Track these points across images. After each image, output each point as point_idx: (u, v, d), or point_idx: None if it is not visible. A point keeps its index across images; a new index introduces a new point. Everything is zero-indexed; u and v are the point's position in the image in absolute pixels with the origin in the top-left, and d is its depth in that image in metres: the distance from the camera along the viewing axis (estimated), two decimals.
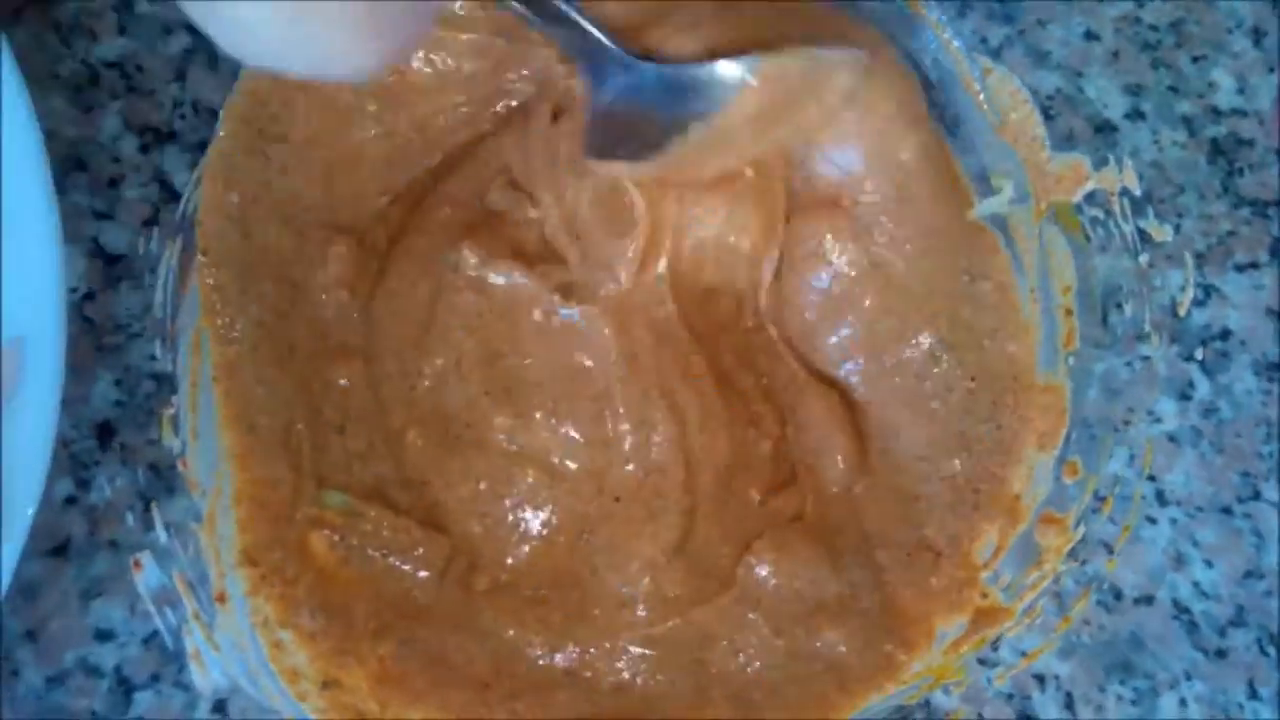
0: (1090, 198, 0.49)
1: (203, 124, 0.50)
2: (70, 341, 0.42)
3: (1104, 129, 0.52)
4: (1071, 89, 0.53)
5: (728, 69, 0.45)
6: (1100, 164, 0.49)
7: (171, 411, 0.47)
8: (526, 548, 0.49)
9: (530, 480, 0.49)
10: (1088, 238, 0.49)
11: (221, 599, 0.46)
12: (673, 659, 0.48)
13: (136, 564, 0.45)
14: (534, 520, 0.48)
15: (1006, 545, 0.50)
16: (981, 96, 0.50)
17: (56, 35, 0.50)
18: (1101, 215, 0.49)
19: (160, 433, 0.46)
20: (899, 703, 0.47)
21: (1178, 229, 0.49)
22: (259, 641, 0.46)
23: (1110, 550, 0.49)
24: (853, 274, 0.51)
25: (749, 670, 0.48)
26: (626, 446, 0.49)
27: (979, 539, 0.50)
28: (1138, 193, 0.48)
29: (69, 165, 0.49)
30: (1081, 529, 0.48)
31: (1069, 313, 0.51)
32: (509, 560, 0.49)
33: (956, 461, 0.51)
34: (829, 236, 0.50)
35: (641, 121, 0.46)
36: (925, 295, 0.51)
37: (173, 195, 0.49)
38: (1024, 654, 0.47)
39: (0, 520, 0.39)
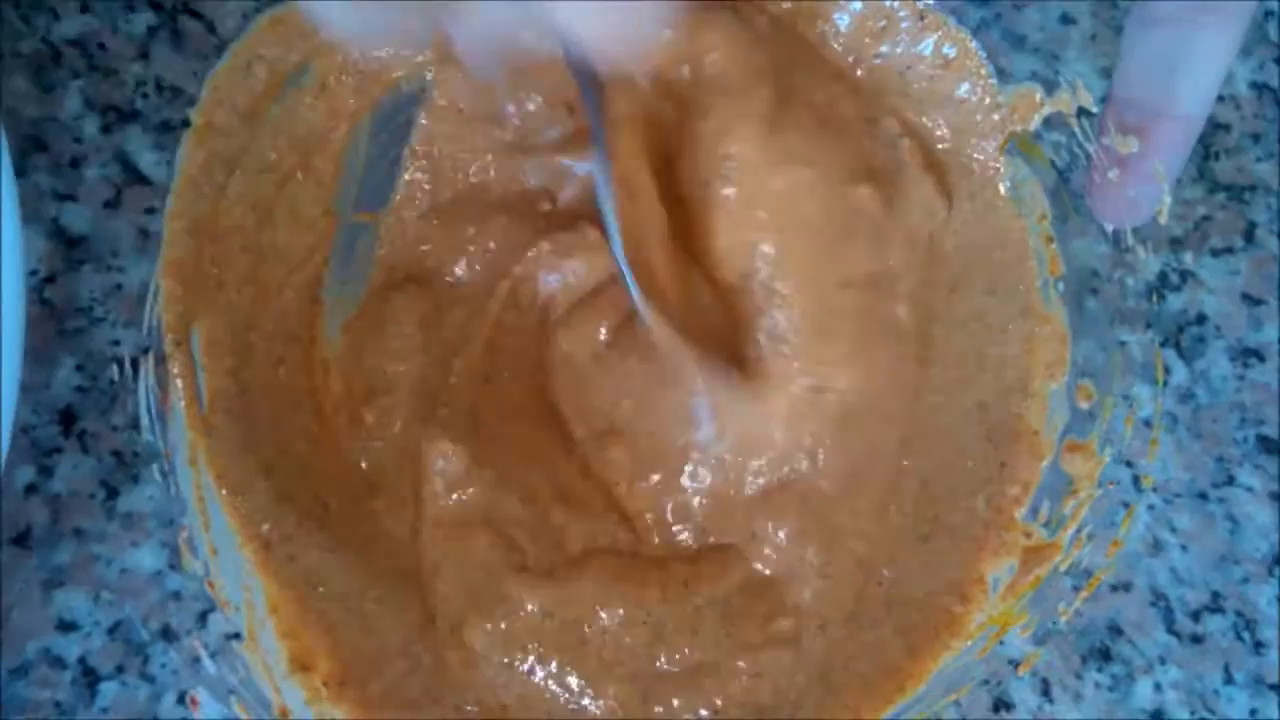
0: (1048, 123, 0.49)
1: (165, 103, 0.49)
2: (30, 325, 0.41)
3: (1041, 50, 0.52)
4: (1048, 72, 0.52)
5: None
6: (1051, 88, 0.49)
7: (185, 535, 0.45)
8: None
9: None
10: (1053, 163, 0.49)
11: (284, 715, 0.44)
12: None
13: (193, 701, 0.44)
14: None
15: (1036, 481, 0.50)
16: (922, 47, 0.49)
17: (16, 12, 0.49)
18: (1064, 139, 0.49)
19: (179, 560, 0.45)
20: (970, 660, 0.47)
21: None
22: None
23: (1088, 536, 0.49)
24: None
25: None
26: None
27: (1006, 481, 0.50)
28: (1094, 110, 0.48)
29: (29, 145, 0.48)
30: (1108, 451, 0.48)
31: (1049, 240, 0.51)
32: None
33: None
34: None
35: None
36: None
37: (136, 176, 0.48)
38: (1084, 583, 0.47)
39: None
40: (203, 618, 0.45)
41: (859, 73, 0.51)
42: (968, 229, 0.52)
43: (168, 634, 0.45)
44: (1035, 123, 0.48)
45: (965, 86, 0.49)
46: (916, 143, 0.51)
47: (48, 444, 0.46)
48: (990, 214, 0.51)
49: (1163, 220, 0.46)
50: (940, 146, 0.51)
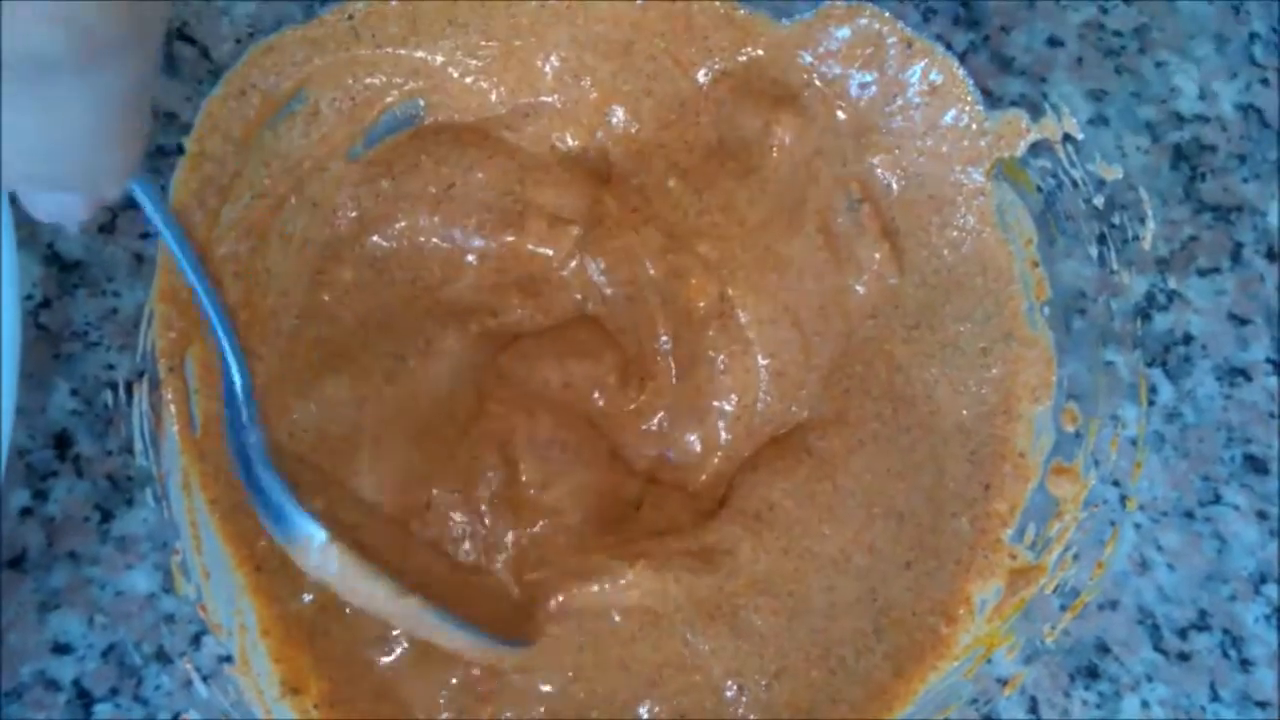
0: (1034, 148, 0.50)
1: (159, 129, 0.50)
2: (25, 349, 0.42)
3: (1028, 73, 0.52)
4: (1035, 95, 0.53)
5: None
6: (1037, 115, 0.49)
7: (178, 558, 0.46)
8: None
9: None
10: (1039, 188, 0.50)
11: None
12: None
13: None
14: None
15: (1022, 503, 0.50)
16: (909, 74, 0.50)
17: None
18: (1049, 164, 0.50)
19: (173, 583, 0.45)
20: (957, 680, 0.48)
21: (1138, 236, 0.49)
22: None
23: (1076, 558, 0.49)
24: None
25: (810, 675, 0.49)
26: None
27: (992, 503, 0.51)
28: (1080, 137, 0.48)
29: None
30: (1093, 474, 0.49)
31: (1035, 264, 0.51)
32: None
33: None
34: None
35: None
36: None
37: (131, 202, 0.49)
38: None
39: None
40: (196, 640, 0.46)
41: (840, 112, 0.52)
42: (946, 258, 0.52)
43: (161, 657, 0.45)
44: (1021, 149, 0.49)
45: (952, 113, 0.50)
46: (874, 209, 0.52)
47: (43, 468, 0.46)
48: (974, 240, 0.52)
49: (1147, 243, 0.47)
50: (900, 186, 0.52)
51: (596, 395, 0.52)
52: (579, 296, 0.54)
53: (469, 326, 0.52)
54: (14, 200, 0.34)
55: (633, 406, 0.52)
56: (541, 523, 0.49)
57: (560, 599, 0.48)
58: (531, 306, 0.53)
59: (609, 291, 0.53)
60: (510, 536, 0.49)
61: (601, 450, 0.51)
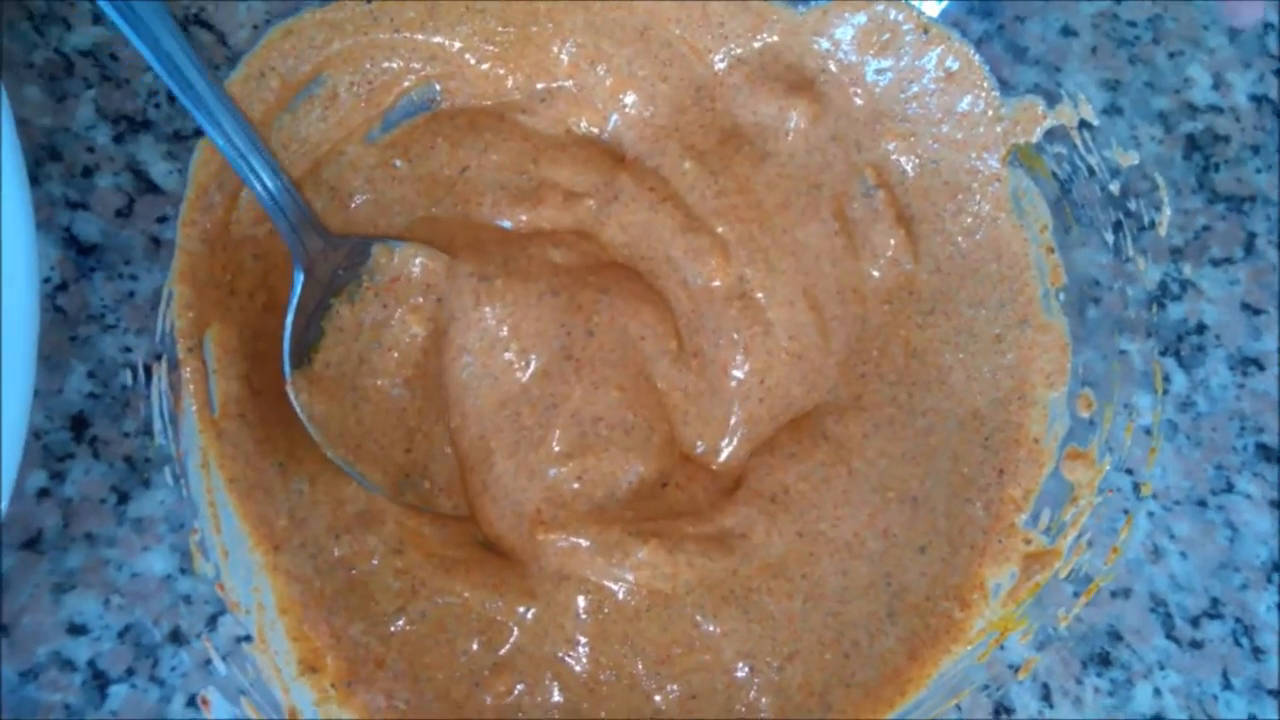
0: (1050, 135, 0.50)
1: (177, 113, 0.50)
2: (42, 332, 0.42)
3: (1042, 62, 0.52)
4: (1050, 84, 0.53)
5: None
6: (1054, 101, 0.49)
7: (197, 537, 0.46)
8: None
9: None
10: (1054, 175, 0.50)
11: (294, 716, 0.45)
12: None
13: (204, 701, 0.44)
14: None
15: (1036, 488, 0.50)
16: (925, 60, 0.50)
17: (30, 24, 0.49)
18: (1065, 151, 0.50)
19: (191, 563, 0.45)
20: (970, 664, 0.48)
21: (1153, 223, 0.49)
22: None
23: (1090, 545, 0.49)
24: None
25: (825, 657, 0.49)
26: None
27: (1007, 488, 0.51)
28: (1095, 123, 0.48)
29: (42, 155, 0.48)
30: (1108, 459, 0.49)
31: (1050, 250, 0.51)
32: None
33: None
34: None
35: None
36: None
37: (148, 185, 0.49)
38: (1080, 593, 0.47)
39: None
40: (213, 621, 0.46)
41: (856, 98, 0.52)
42: (961, 244, 0.52)
43: (178, 637, 0.45)
44: (1037, 135, 0.49)
45: (968, 100, 0.50)
46: (890, 195, 0.52)
47: (59, 449, 0.46)
48: (990, 226, 0.52)
49: (1162, 231, 0.47)
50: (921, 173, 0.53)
51: (663, 356, 0.52)
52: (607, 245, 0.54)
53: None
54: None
55: (690, 378, 0.53)
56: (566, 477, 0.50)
57: (565, 562, 0.48)
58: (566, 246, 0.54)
59: (630, 266, 0.54)
60: None
61: (654, 439, 0.51)
